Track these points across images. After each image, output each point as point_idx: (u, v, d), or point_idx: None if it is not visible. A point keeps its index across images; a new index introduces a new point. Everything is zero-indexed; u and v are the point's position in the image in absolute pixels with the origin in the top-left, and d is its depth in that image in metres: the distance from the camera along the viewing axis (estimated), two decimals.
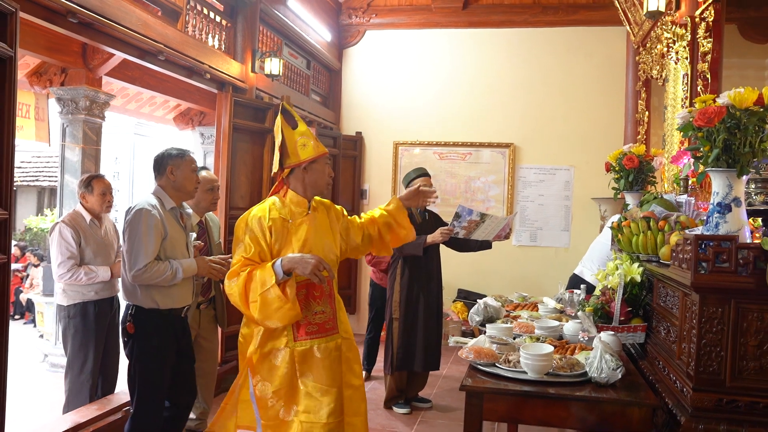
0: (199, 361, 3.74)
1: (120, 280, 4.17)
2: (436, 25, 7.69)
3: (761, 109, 2.18)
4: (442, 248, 4.87)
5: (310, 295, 2.77)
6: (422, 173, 4.80)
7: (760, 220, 2.71)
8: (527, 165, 7.49)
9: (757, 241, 2.24)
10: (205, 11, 5.24)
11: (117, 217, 7.90)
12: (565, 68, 7.36)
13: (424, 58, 7.71)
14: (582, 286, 3.95)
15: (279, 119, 2.83)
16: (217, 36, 5.42)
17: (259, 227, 2.72)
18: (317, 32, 7.20)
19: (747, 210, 2.41)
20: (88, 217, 4.13)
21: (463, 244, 4.77)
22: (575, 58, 7.34)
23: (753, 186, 2.93)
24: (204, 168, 3.97)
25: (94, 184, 4.16)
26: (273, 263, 2.63)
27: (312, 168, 2.82)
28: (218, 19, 5.45)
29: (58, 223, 4.08)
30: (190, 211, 3.63)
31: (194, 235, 3.98)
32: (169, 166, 3.30)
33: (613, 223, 3.61)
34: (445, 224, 4.80)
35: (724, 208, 2.28)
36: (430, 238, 4.59)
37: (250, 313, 2.64)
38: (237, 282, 2.65)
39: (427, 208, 4.91)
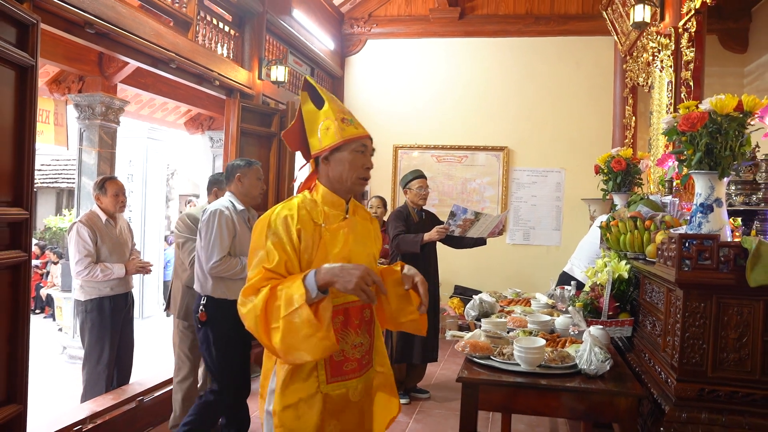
0: None
1: (133, 276, 4.24)
2: (434, 35, 7.69)
3: (740, 115, 2.19)
4: (439, 246, 4.87)
5: (349, 322, 2.02)
6: (418, 175, 4.80)
7: (740, 219, 2.72)
8: (520, 167, 7.49)
9: (737, 240, 2.24)
10: (215, 21, 5.25)
11: (131, 216, 7.88)
12: (556, 75, 7.36)
13: (423, 66, 7.71)
14: (572, 282, 3.96)
15: (301, 96, 2.14)
16: (225, 45, 5.43)
17: (284, 229, 1.94)
18: (321, 41, 7.20)
19: (728, 210, 2.42)
20: (103, 217, 4.14)
21: (458, 241, 4.77)
22: (566, 66, 7.34)
23: (733, 188, 2.93)
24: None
25: (108, 185, 4.17)
26: (304, 276, 1.83)
27: (334, 158, 2.05)
28: (227, 29, 5.46)
29: (75, 223, 4.09)
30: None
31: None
32: (237, 174, 3.53)
33: (601, 222, 3.62)
34: (441, 223, 4.81)
35: (707, 208, 2.29)
36: (427, 236, 4.58)
37: (270, 343, 1.85)
38: (255, 301, 1.86)
39: (424, 207, 4.92)
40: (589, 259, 4.48)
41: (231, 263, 3.32)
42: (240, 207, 3.49)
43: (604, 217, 4.29)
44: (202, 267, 3.34)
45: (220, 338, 3.32)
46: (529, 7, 7.47)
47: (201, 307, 3.34)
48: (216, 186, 4.11)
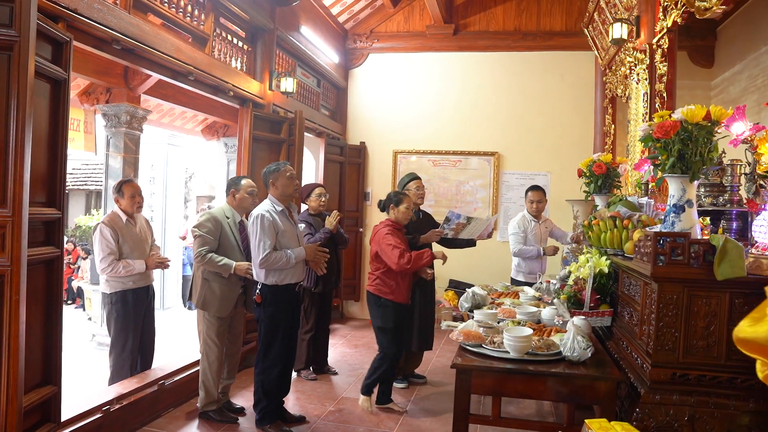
0: (228, 341, 4.07)
1: (153, 271, 4.29)
2: (430, 49, 7.69)
3: (709, 124, 2.21)
4: (435, 245, 4.88)
5: None
6: (414, 177, 4.82)
7: (708, 219, 2.73)
8: (510, 171, 7.50)
9: (706, 238, 2.26)
10: (229, 37, 5.26)
11: (152, 216, 7.90)
12: (542, 87, 7.37)
13: (420, 78, 7.72)
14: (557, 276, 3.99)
15: None
16: (239, 59, 5.44)
17: None
18: (326, 55, 7.21)
19: (698, 210, 2.43)
20: (123, 217, 4.15)
21: (450, 243, 4.80)
22: (551, 78, 7.35)
23: (703, 190, 2.94)
24: (245, 177, 4.28)
25: (124, 188, 4.19)
26: None
27: None
28: (240, 44, 5.46)
29: (99, 223, 4.10)
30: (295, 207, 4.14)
31: (303, 226, 4.50)
32: (270, 180, 3.77)
33: (583, 221, 3.64)
34: (437, 224, 4.83)
35: (679, 208, 2.31)
36: (423, 238, 4.59)
37: None
38: None
39: (421, 207, 4.93)
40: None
41: (276, 257, 3.60)
42: (279, 207, 3.73)
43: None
44: (254, 261, 3.67)
45: (269, 317, 3.69)
46: (517, 25, 7.48)
47: (257, 291, 3.71)
48: (233, 188, 4.12)
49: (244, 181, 4.09)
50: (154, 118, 6.94)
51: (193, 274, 4.06)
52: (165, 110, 7.12)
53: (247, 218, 4.05)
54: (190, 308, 8.16)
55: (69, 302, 9.59)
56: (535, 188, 5.28)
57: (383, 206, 4.30)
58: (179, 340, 6.22)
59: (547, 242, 5.32)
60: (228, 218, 3.96)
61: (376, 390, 4.31)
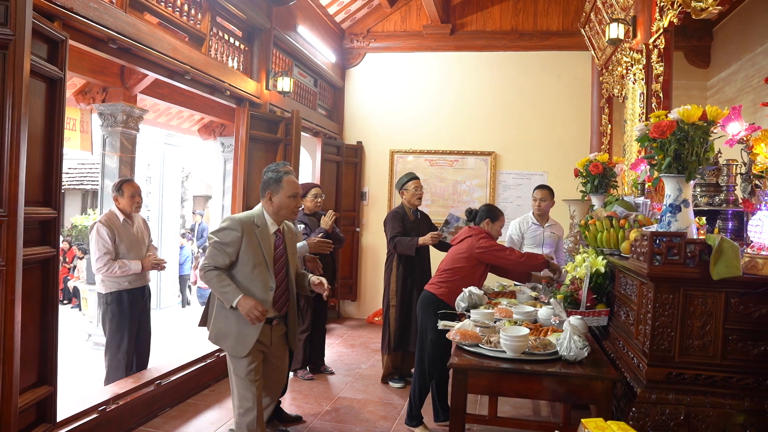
0: (268, 377, 3.17)
1: (152, 273, 4.25)
2: (427, 49, 7.69)
3: (705, 124, 2.21)
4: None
5: None
6: (413, 177, 4.81)
7: (704, 219, 2.74)
8: (506, 171, 7.50)
9: (702, 237, 2.27)
10: (226, 37, 5.25)
11: (149, 215, 7.88)
12: (539, 87, 7.38)
13: (417, 78, 7.72)
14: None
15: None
16: (236, 58, 5.43)
17: None
18: (323, 54, 7.20)
19: (694, 210, 2.44)
20: (121, 216, 4.14)
21: (447, 247, 4.78)
22: (548, 78, 7.36)
23: (699, 190, 2.95)
24: (288, 173, 3.42)
25: (125, 187, 4.17)
26: None
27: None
28: (237, 43, 5.45)
29: (95, 223, 4.09)
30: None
31: (301, 227, 4.31)
32: (268, 191, 3.57)
33: (580, 221, 3.64)
34: (435, 226, 4.83)
35: (675, 208, 2.31)
36: (421, 240, 4.59)
37: None
38: None
39: (419, 208, 4.93)
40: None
41: None
42: (273, 228, 3.56)
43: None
44: None
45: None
46: (514, 24, 7.49)
47: None
48: (270, 189, 3.66)
49: (286, 179, 3.03)
50: (151, 117, 6.92)
51: (210, 294, 3.24)
52: (161, 110, 7.10)
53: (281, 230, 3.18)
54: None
55: (65, 302, 9.57)
56: (541, 187, 5.01)
57: (477, 218, 4.02)
58: (175, 340, 6.21)
59: (552, 249, 4.88)
60: (258, 227, 2.97)
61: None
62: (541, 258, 3.85)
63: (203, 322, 3.28)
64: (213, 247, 2.90)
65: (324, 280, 3.13)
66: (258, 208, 3.06)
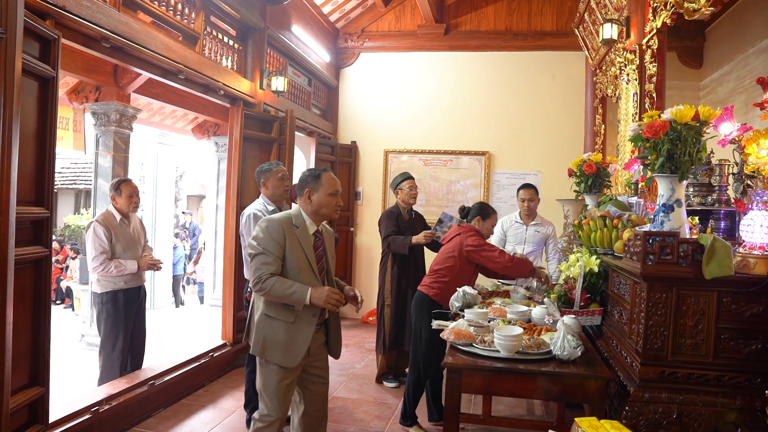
0: (309, 402, 2.89)
1: (146, 272, 4.25)
2: (421, 49, 7.70)
3: (697, 124, 2.22)
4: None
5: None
6: (408, 177, 4.81)
7: (697, 218, 2.75)
8: (501, 170, 7.52)
9: (694, 237, 2.28)
10: (220, 36, 5.23)
11: (143, 215, 7.85)
12: (533, 87, 7.40)
13: (411, 77, 7.72)
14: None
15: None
16: (230, 57, 5.41)
17: None
18: (317, 54, 7.20)
19: (686, 210, 2.45)
20: (118, 216, 4.13)
21: (438, 246, 4.78)
22: (542, 78, 7.38)
23: (691, 189, 2.96)
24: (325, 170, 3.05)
25: (123, 187, 4.16)
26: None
27: None
28: (231, 42, 5.44)
29: (92, 222, 4.07)
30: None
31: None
32: (262, 179, 3.80)
33: (574, 221, 3.65)
34: (429, 226, 4.83)
35: (668, 208, 2.32)
36: (415, 239, 4.59)
37: None
38: None
39: (413, 207, 4.93)
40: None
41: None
42: (271, 207, 3.75)
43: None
44: (248, 259, 3.57)
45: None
46: (508, 24, 7.50)
47: (248, 290, 3.68)
48: (308, 187, 3.20)
49: (325, 176, 2.87)
50: (144, 116, 6.90)
51: (251, 305, 2.95)
52: (155, 109, 7.08)
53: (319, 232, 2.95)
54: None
55: (58, 302, 9.52)
56: (526, 186, 5.03)
57: (469, 216, 3.97)
58: (170, 340, 6.19)
59: (536, 247, 4.81)
60: (297, 228, 2.79)
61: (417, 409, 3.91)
62: (530, 266, 3.79)
63: (247, 336, 2.90)
64: (260, 254, 2.67)
65: (359, 293, 2.91)
66: (295, 207, 2.88)
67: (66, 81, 5.18)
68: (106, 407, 3.57)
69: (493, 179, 7.51)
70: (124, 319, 4.11)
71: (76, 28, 3.38)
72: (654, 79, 3.97)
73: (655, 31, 3.91)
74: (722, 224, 2.83)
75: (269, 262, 2.66)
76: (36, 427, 3.00)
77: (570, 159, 4.53)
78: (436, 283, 3.82)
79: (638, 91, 4.14)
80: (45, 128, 3.00)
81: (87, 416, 3.40)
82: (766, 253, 2.22)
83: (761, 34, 5.16)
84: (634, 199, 3.59)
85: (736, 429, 2.06)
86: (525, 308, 3.30)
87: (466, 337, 2.66)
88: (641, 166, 2.51)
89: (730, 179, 2.89)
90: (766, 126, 2.33)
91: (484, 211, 3.92)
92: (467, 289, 3.48)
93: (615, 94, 5.23)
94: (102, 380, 4.06)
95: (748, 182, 2.66)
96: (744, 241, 2.31)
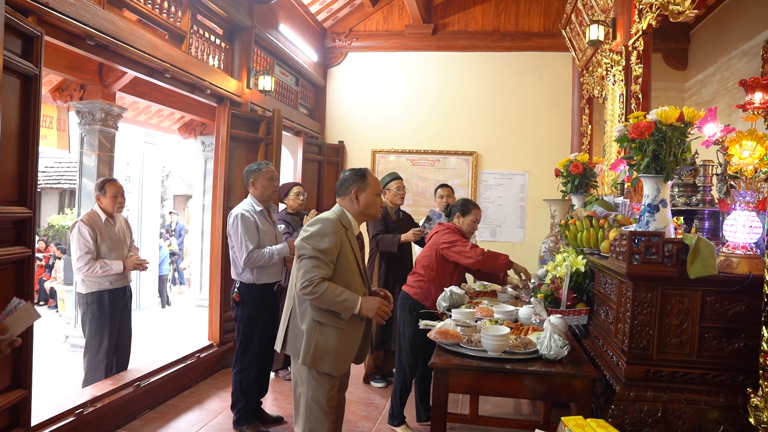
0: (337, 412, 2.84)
1: (132, 273, 4.20)
2: (409, 49, 7.71)
3: (682, 125, 2.24)
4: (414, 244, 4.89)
5: None
6: (395, 177, 4.81)
7: (682, 218, 2.78)
8: (488, 170, 7.55)
9: (679, 237, 2.30)
10: (207, 35, 5.20)
11: (128, 215, 7.78)
12: (520, 87, 7.44)
13: (399, 77, 7.73)
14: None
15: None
16: (216, 56, 5.38)
17: None
18: (305, 53, 7.17)
19: (671, 210, 2.47)
20: (103, 216, 4.08)
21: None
22: (529, 78, 7.42)
23: (676, 190, 2.99)
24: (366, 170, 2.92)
25: (107, 187, 4.11)
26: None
27: None
28: (218, 41, 5.41)
29: (77, 222, 4.02)
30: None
31: (282, 226, 4.33)
32: (251, 179, 3.77)
33: (560, 221, 3.66)
34: (416, 225, 4.83)
35: (654, 208, 2.34)
36: (404, 237, 4.59)
37: None
38: None
39: (401, 207, 4.93)
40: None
41: (258, 255, 3.64)
42: (259, 207, 3.77)
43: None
44: (236, 259, 3.70)
45: (246, 316, 3.70)
46: (495, 25, 7.53)
47: (236, 290, 3.74)
48: (355, 186, 2.80)
49: (370, 175, 2.76)
50: (130, 115, 6.82)
51: (290, 312, 2.70)
52: (141, 108, 7.00)
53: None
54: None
55: (41, 303, 9.40)
56: (444, 185, 5.21)
57: (451, 213, 3.95)
58: (156, 341, 6.13)
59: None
60: (346, 229, 2.66)
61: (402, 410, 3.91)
62: (504, 258, 3.63)
63: (283, 346, 2.73)
64: (313, 257, 2.50)
65: (390, 295, 2.83)
66: (337, 208, 2.71)
67: (50, 79, 5.11)
68: (91, 409, 3.52)
69: (481, 179, 7.54)
70: (109, 320, 4.06)
71: (59, 25, 3.34)
72: (640, 80, 4.01)
73: (640, 32, 3.94)
74: (706, 224, 2.86)
75: (322, 266, 2.51)
76: (18, 431, 2.95)
77: (557, 159, 4.56)
78: (417, 283, 3.82)
79: (624, 92, 4.17)
80: (28, 126, 2.95)
81: (71, 418, 3.35)
82: (748, 252, 2.25)
83: (744, 36, 5.23)
84: (620, 199, 3.62)
85: (719, 426, 2.08)
86: (512, 308, 3.31)
87: (453, 337, 2.66)
88: (627, 167, 2.53)
89: (714, 180, 2.93)
90: (748, 127, 2.35)
91: (465, 207, 3.87)
92: (454, 289, 3.48)
93: (601, 95, 5.27)
94: (86, 382, 4.01)
95: (732, 183, 2.69)
96: (727, 241, 2.34)
